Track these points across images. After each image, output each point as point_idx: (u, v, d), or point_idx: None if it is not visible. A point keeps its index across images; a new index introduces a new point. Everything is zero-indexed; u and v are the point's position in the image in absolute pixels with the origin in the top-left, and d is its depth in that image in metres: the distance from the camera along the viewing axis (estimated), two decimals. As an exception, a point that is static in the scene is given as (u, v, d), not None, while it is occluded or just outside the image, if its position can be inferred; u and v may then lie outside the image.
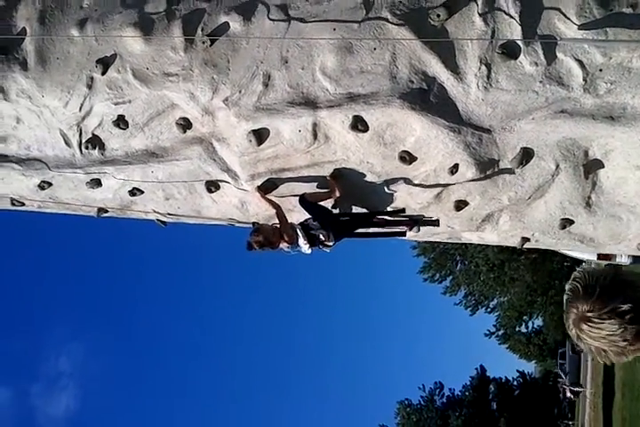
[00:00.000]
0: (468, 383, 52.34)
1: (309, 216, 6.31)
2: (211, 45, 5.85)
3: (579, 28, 4.87)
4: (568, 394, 49.89)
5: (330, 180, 6.17)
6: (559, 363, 51.15)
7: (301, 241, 6.19)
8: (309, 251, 6.32)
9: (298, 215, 6.48)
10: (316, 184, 6.31)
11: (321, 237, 6.20)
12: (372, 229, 6.76)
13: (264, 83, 5.78)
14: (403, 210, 6.38)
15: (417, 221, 6.51)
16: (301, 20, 5.55)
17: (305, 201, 6.24)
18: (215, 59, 5.89)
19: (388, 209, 6.43)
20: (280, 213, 6.28)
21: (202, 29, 5.87)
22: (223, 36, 5.81)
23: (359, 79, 5.52)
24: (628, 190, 5.55)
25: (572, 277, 2.54)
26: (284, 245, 6.26)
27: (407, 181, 6.03)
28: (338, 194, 6.28)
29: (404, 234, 6.74)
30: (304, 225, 6.25)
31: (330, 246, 6.38)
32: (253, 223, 6.83)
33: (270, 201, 6.33)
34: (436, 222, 6.46)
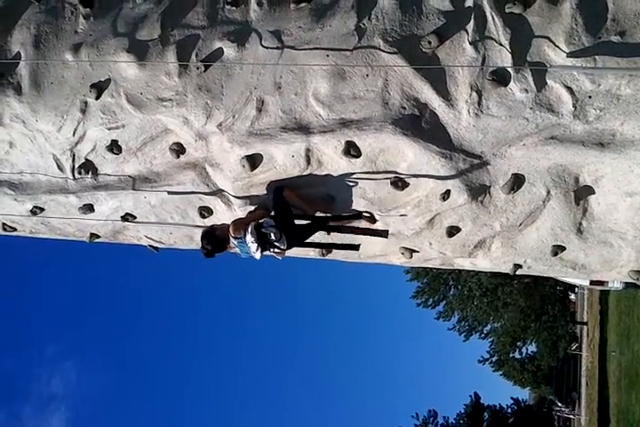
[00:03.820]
0: (463, 411, 51.71)
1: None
2: (205, 71, 5.90)
3: (568, 56, 4.94)
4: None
5: (320, 201, 6.12)
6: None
7: (249, 238, 5.87)
8: (258, 253, 5.97)
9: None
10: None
11: (272, 236, 5.89)
12: (325, 240, 6.56)
13: (257, 108, 5.81)
14: (359, 215, 6.18)
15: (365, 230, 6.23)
16: (294, 47, 5.61)
17: (280, 193, 6.00)
18: (209, 84, 5.93)
19: (343, 214, 6.23)
20: (258, 216, 6.05)
21: (196, 55, 5.92)
22: (217, 62, 5.86)
23: (352, 105, 5.56)
24: (618, 217, 5.57)
25: None
26: (231, 240, 5.96)
27: (400, 206, 6.03)
28: (311, 212, 6.15)
29: (357, 248, 6.50)
30: (257, 224, 5.97)
31: (281, 251, 6.07)
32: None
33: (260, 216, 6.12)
34: (384, 233, 6.19)
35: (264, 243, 5.94)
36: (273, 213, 6.05)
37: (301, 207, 6.14)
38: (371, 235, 6.33)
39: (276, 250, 6.06)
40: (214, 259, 6.19)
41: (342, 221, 6.32)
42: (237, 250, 6.13)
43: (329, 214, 6.27)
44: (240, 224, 5.98)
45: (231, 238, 5.99)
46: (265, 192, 6.24)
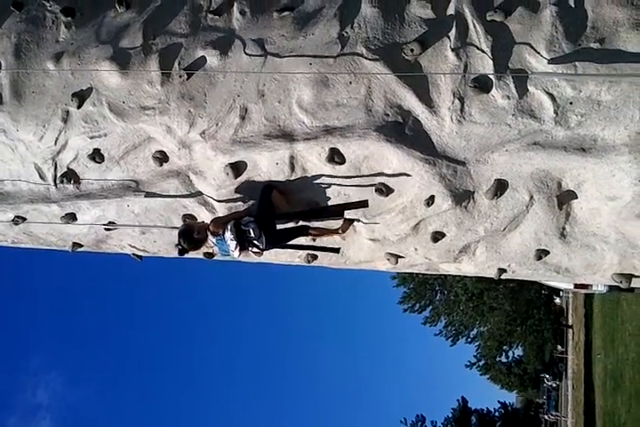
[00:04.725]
0: (450, 416, 51.79)
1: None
2: (187, 79, 5.89)
3: (549, 63, 5.00)
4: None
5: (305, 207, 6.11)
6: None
7: (228, 235, 5.86)
8: (237, 252, 5.97)
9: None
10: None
11: (251, 233, 5.86)
12: (304, 242, 6.52)
13: (241, 116, 5.81)
14: (341, 212, 6.12)
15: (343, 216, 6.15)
16: (278, 55, 5.62)
17: (268, 192, 5.97)
18: (192, 92, 5.92)
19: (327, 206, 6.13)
20: (238, 215, 6.05)
21: (179, 63, 5.91)
22: (200, 70, 5.86)
23: (335, 112, 5.58)
24: (601, 221, 5.62)
25: None
26: (210, 238, 5.98)
27: (384, 212, 6.05)
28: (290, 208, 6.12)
29: (337, 251, 6.54)
30: (237, 221, 5.94)
31: (260, 250, 6.05)
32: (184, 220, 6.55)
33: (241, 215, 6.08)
34: (364, 203, 6.02)
35: (243, 240, 5.91)
36: (256, 213, 6.02)
37: (285, 210, 6.12)
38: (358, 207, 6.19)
39: (255, 249, 6.03)
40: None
41: (323, 233, 6.34)
42: (216, 249, 6.12)
43: (311, 222, 6.27)
44: (220, 222, 5.98)
45: (210, 236, 5.98)
46: (248, 198, 6.24)
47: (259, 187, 6.09)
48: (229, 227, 5.87)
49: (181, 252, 6.12)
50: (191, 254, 7.24)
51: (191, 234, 6.01)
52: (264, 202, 6.00)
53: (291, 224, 6.28)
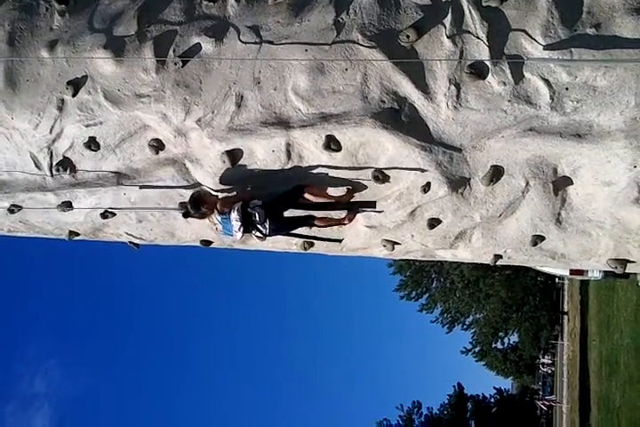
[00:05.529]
0: (446, 402, 52.23)
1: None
2: (183, 66, 5.87)
3: (544, 48, 5.00)
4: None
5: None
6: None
7: (234, 215, 5.92)
8: (240, 233, 6.02)
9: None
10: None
11: (256, 217, 5.91)
12: (309, 232, 6.59)
13: (237, 103, 5.80)
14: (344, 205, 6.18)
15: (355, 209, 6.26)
16: (273, 42, 5.61)
17: (300, 191, 5.99)
18: (187, 80, 5.90)
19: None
20: (247, 196, 6.11)
21: (174, 51, 5.89)
22: (195, 57, 5.84)
23: (331, 99, 5.57)
24: (596, 207, 5.64)
25: None
26: (215, 215, 6.04)
27: (381, 199, 6.06)
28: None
29: (339, 241, 6.63)
30: (244, 203, 5.99)
31: (263, 235, 6.10)
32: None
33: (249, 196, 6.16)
34: (372, 204, 6.12)
35: (247, 223, 5.96)
36: (267, 200, 6.03)
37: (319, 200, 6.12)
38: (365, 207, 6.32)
39: (258, 233, 6.08)
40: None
41: (329, 223, 6.33)
42: (219, 227, 6.16)
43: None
44: (228, 201, 6.03)
45: (215, 214, 6.03)
46: (245, 184, 6.24)
47: (255, 174, 6.11)
48: (236, 208, 5.91)
49: (185, 215, 6.22)
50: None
51: (200, 203, 6.06)
52: (289, 192, 6.00)
53: (296, 212, 6.30)
